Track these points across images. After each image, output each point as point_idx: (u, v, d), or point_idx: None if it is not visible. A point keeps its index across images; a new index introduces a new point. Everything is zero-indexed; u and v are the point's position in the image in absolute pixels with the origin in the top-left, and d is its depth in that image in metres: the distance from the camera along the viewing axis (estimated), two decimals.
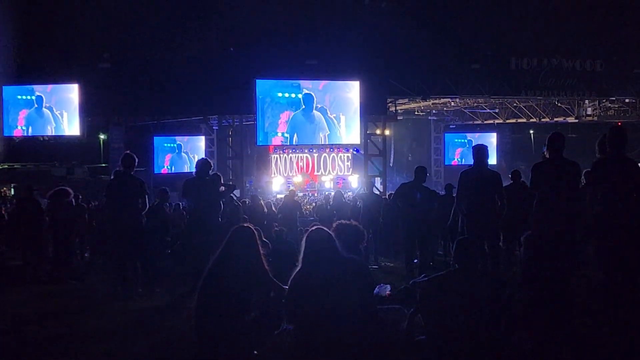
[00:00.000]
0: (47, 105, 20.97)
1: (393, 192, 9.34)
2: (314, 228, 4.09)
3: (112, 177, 7.38)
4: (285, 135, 20.91)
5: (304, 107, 20.76)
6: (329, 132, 21.22)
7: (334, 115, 21.08)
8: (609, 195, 4.83)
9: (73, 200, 9.33)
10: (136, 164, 7.16)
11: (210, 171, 7.55)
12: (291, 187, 20.99)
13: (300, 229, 10.83)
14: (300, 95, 20.72)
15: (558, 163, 5.36)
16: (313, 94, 20.84)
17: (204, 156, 23.31)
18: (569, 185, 5.24)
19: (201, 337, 4.00)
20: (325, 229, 4.07)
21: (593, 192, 4.97)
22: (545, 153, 5.63)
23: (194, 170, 7.67)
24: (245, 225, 4.31)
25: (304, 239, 4.01)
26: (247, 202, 12.92)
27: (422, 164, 9.45)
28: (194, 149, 24.45)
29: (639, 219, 4.75)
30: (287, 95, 20.61)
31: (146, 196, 7.13)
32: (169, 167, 24.32)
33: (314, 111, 20.90)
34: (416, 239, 7.93)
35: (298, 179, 22.75)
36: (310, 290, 3.81)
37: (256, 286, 4.07)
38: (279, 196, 20.29)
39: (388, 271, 8.94)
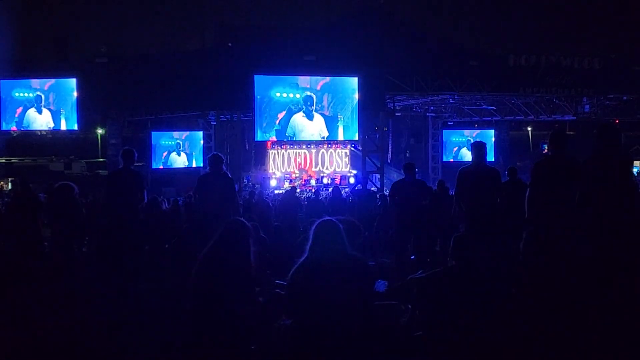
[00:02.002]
0: (45, 102, 20.91)
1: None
2: (324, 219, 4.07)
3: (111, 172, 7.41)
4: (287, 135, 20.91)
5: (304, 108, 20.73)
6: (328, 134, 21.26)
7: (332, 114, 21.07)
8: (596, 194, 4.85)
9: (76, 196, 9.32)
10: (135, 158, 7.17)
11: (223, 166, 7.44)
12: (287, 184, 21.06)
13: (299, 225, 10.83)
14: (298, 96, 20.68)
15: (559, 160, 5.37)
16: (313, 95, 20.80)
17: (201, 152, 23.39)
18: (569, 182, 5.25)
19: (197, 331, 4.00)
20: (335, 221, 4.03)
21: (581, 191, 4.98)
22: (545, 150, 5.68)
23: (191, 166, 7.65)
24: (237, 219, 4.30)
25: (314, 228, 3.97)
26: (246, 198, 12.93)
27: (420, 161, 9.57)
28: (192, 146, 24.39)
29: (628, 216, 4.76)
30: (285, 95, 20.57)
31: (144, 190, 7.15)
32: (166, 164, 24.22)
33: (314, 112, 20.88)
34: (410, 234, 8.00)
35: (296, 174, 22.75)
36: (312, 281, 3.80)
37: (241, 281, 4.04)
38: (276, 192, 20.32)
39: (384, 267, 8.94)
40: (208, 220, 7.07)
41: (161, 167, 23.82)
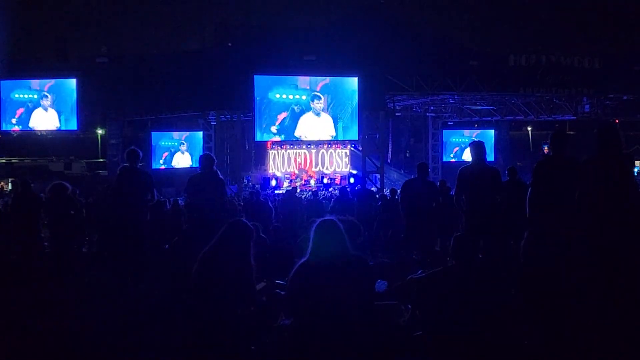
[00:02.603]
0: (45, 103, 20.91)
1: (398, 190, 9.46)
2: (325, 218, 4.04)
3: (119, 172, 7.37)
4: (296, 136, 20.94)
5: (312, 108, 20.75)
6: (334, 134, 21.32)
7: (332, 116, 21.07)
8: (596, 194, 4.85)
9: (71, 195, 9.32)
10: (140, 158, 7.21)
11: (214, 166, 7.44)
12: (286, 184, 21.07)
13: (299, 226, 10.82)
14: (298, 97, 20.64)
15: (560, 161, 5.37)
16: (319, 94, 20.81)
17: (201, 152, 23.32)
18: (570, 182, 5.24)
19: (197, 331, 4.00)
20: (336, 220, 4.01)
21: (580, 191, 4.98)
22: (546, 151, 5.69)
23: (194, 165, 7.64)
24: (240, 219, 4.30)
25: (314, 228, 3.94)
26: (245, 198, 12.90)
27: (420, 161, 9.58)
28: (192, 146, 24.31)
29: (628, 216, 4.75)
30: (284, 96, 20.53)
31: (154, 190, 7.18)
32: (169, 164, 24.11)
33: (321, 111, 20.87)
34: (417, 234, 8.00)
35: (296, 173, 22.76)
36: (314, 281, 3.79)
37: (241, 282, 4.02)
38: (276, 192, 20.32)
39: (384, 267, 8.92)
40: (201, 220, 7.11)
41: (163, 167, 23.72)
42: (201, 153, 23.37)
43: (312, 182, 22.15)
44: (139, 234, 7.05)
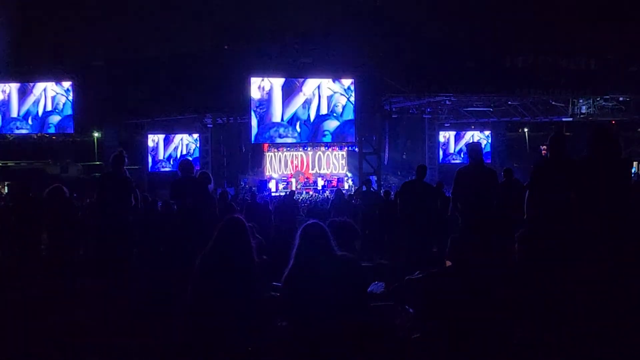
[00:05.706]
0: (41, 103, 20.89)
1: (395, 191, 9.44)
2: (308, 222, 4.04)
3: (100, 175, 7.42)
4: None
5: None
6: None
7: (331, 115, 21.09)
8: (590, 197, 4.85)
9: (69, 198, 9.30)
10: (126, 162, 7.21)
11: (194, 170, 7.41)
12: (281, 186, 21.07)
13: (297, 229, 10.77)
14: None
15: (557, 163, 5.38)
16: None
17: (198, 154, 23.32)
18: (567, 185, 5.25)
19: (194, 332, 3.97)
20: (320, 223, 4.01)
21: (577, 193, 4.98)
22: (543, 152, 5.70)
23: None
24: (233, 216, 4.27)
25: (298, 233, 3.95)
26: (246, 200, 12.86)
27: (417, 162, 9.60)
28: (189, 147, 24.25)
29: (624, 220, 4.76)
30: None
31: (135, 192, 7.19)
32: (163, 165, 24.09)
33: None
34: (415, 235, 8.01)
35: (293, 176, 22.76)
36: (302, 285, 3.78)
37: (244, 278, 4.00)
38: (273, 194, 20.33)
39: (383, 269, 8.90)
40: (189, 223, 7.09)
41: (157, 169, 23.66)
42: (184, 157, 23.36)
43: (320, 182, 22.04)
44: (123, 238, 7.06)
